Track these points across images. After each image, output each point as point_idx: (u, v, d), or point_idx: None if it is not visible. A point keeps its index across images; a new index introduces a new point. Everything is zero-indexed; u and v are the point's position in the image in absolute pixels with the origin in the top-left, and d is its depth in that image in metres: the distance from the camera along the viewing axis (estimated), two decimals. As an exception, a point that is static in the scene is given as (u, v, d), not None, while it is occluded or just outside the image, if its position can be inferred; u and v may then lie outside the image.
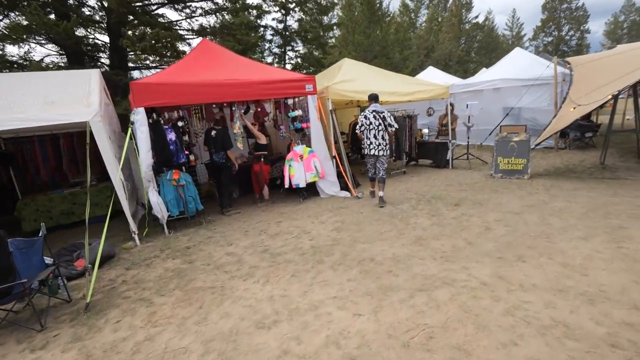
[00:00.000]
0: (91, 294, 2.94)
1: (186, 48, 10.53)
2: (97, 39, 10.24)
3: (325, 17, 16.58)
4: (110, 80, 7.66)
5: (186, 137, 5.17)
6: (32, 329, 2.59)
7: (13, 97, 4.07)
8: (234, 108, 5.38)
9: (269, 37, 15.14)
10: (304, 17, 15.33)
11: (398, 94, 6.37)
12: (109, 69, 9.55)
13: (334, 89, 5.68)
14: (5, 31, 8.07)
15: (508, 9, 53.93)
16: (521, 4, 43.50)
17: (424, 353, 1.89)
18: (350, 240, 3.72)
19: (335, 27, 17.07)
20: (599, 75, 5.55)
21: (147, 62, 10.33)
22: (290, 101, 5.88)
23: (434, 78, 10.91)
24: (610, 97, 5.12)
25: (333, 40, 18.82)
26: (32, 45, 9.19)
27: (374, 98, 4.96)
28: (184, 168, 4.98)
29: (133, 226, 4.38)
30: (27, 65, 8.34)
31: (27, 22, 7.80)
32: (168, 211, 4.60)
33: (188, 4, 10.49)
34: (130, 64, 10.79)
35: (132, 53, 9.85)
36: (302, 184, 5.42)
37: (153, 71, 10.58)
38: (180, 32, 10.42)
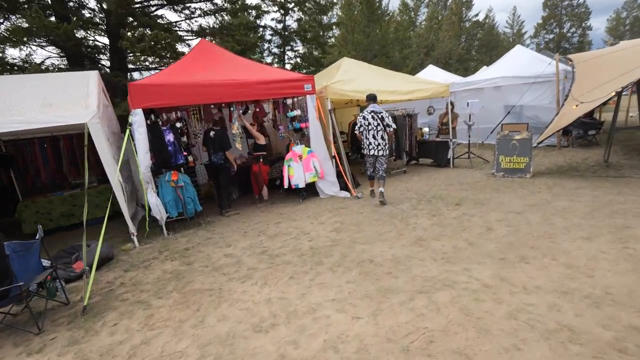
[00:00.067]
0: (89, 297, 2.92)
1: (185, 49, 10.51)
2: (97, 41, 10.25)
3: (324, 17, 16.52)
4: (109, 81, 7.67)
5: (184, 138, 5.14)
6: (30, 332, 2.57)
7: (12, 99, 4.06)
8: (232, 108, 5.35)
9: (268, 37, 15.12)
10: (303, 16, 15.29)
11: (398, 93, 6.32)
12: (109, 70, 9.57)
13: (333, 88, 5.64)
14: (5, 34, 8.09)
15: (509, 6, 53.71)
16: (522, 2, 43.39)
17: (424, 358, 1.85)
18: (349, 241, 3.68)
19: (334, 27, 17.03)
20: (601, 72, 5.47)
21: (147, 63, 10.33)
22: (289, 101, 5.85)
23: (434, 76, 10.83)
24: (613, 94, 5.05)
25: (332, 39, 18.77)
26: (34, 47, 9.22)
27: (372, 98, 4.99)
28: (182, 169, 4.96)
29: (132, 228, 4.36)
30: (28, 67, 8.35)
31: (27, 25, 7.82)
32: (167, 212, 4.58)
33: (187, 4, 10.48)
34: (130, 66, 10.80)
35: (131, 55, 9.85)
36: (302, 184, 5.39)
37: (153, 72, 10.59)
38: (180, 33, 10.42)
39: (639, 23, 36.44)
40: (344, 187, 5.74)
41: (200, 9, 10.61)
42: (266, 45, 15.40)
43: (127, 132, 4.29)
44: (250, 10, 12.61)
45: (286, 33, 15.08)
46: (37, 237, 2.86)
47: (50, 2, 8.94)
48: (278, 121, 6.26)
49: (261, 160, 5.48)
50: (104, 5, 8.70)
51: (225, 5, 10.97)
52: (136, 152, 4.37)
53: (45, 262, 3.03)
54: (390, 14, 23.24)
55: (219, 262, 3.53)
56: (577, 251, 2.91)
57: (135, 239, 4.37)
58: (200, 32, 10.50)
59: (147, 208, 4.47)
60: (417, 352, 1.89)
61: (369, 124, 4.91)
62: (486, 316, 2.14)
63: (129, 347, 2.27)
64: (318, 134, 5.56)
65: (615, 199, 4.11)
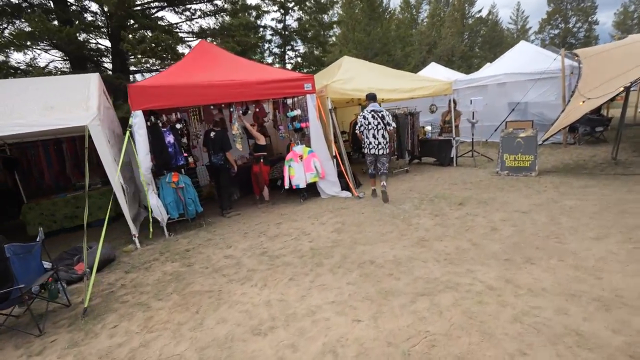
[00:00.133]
0: (90, 298, 2.92)
1: (186, 50, 10.54)
2: (100, 44, 10.33)
3: (325, 16, 16.45)
4: (111, 83, 7.71)
5: (184, 140, 5.14)
6: (31, 334, 2.57)
7: (14, 102, 4.09)
8: (232, 109, 5.33)
9: (268, 37, 15.09)
10: (303, 16, 15.25)
11: (399, 91, 6.25)
12: (112, 73, 9.62)
13: (333, 87, 5.59)
14: (9, 37, 8.17)
15: (512, 2, 52.75)
16: (526, -3, 42.61)
17: (426, 362, 1.80)
18: (350, 242, 3.63)
19: (335, 26, 16.95)
20: (609, 67, 5.34)
21: (147, 65, 10.37)
22: (289, 101, 5.81)
23: (436, 74, 10.73)
24: (621, 89, 4.92)
25: (333, 38, 18.71)
26: (38, 51, 9.31)
27: (372, 97, 4.99)
28: (183, 170, 4.96)
29: (133, 229, 4.37)
30: (31, 71, 8.44)
31: (30, 29, 7.89)
32: (168, 214, 4.58)
33: (188, 6, 10.50)
34: (132, 68, 10.86)
35: (132, 57, 9.90)
36: (302, 185, 5.35)
37: (155, 74, 10.61)
38: (181, 34, 10.44)
39: (648, 17, 35.75)
40: (345, 187, 5.70)
41: (200, 10, 10.63)
42: (266, 45, 15.38)
43: (127, 133, 4.29)
44: (250, 11, 12.60)
45: (286, 33, 15.05)
46: (38, 239, 2.86)
47: (52, 7, 9.02)
48: (278, 121, 6.23)
49: (262, 160, 5.46)
50: (105, 8, 8.75)
51: (226, 5, 10.97)
52: (137, 153, 4.38)
53: (47, 264, 3.03)
54: (392, 12, 23.07)
55: (219, 264, 3.51)
56: (585, 252, 2.82)
57: (136, 241, 4.37)
58: (201, 34, 10.51)
59: (149, 209, 4.47)
60: (418, 357, 1.84)
61: (369, 123, 4.91)
62: (490, 320, 2.08)
63: (128, 349, 2.25)
64: (319, 134, 5.51)
65: (625, 197, 4.00)
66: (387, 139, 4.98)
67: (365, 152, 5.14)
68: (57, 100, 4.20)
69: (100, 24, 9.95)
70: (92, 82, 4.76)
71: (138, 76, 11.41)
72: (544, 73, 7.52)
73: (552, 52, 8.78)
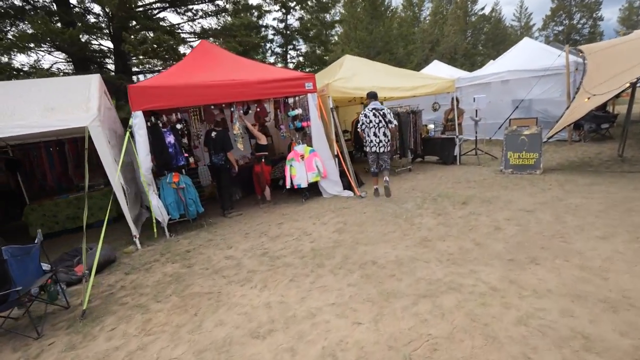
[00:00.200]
0: (89, 300, 2.92)
1: (188, 51, 10.55)
2: (102, 45, 10.37)
3: (327, 15, 16.39)
4: (113, 84, 7.73)
5: (185, 140, 5.12)
6: (29, 337, 2.56)
7: (15, 104, 4.10)
8: (232, 109, 5.30)
9: (270, 36, 15.07)
10: (304, 15, 15.20)
11: (401, 90, 6.19)
12: (114, 74, 9.65)
13: (335, 86, 5.54)
14: (12, 40, 8.23)
15: (516, -1, 52.33)
16: (530, -6, 42.22)
17: (428, 366, 1.75)
18: (352, 242, 3.59)
19: (337, 24, 16.89)
20: (614, 63, 5.23)
21: (149, 65, 10.39)
22: (290, 100, 5.78)
23: (439, 72, 10.62)
24: (627, 85, 4.82)
25: (335, 37, 18.64)
26: (41, 53, 9.37)
27: (373, 96, 4.99)
28: (184, 170, 4.94)
29: (134, 230, 4.36)
30: (34, 72, 8.48)
31: (33, 31, 7.93)
32: (169, 214, 4.57)
33: (189, 6, 10.50)
34: (134, 69, 10.89)
35: (134, 58, 9.92)
36: (304, 184, 5.31)
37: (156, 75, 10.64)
38: (183, 35, 10.45)
39: (654, 12, 35.20)
40: (347, 186, 5.65)
41: (202, 10, 10.62)
42: (268, 45, 15.36)
43: (127, 134, 4.28)
44: (252, 11, 12.58)
45: (288, 32, 15.02)
46: (36, 241, 2.85)
47: (55, 9, 9.06)
48: (280, 121, 6.20)
49: (263, 160, 5.43)
50: (106, 9, 8.78)
51: (227, 6, 10.96)
52: (137, 154, 4.37)
53: (46, 266, 3.02)
54: (394, 10, 22.94)
55: (219, 265, 3.48)
56: (591, 251, 2.75)
57: (137, 241, 4.36)
58: (203, 34, 10.51)
59: (151, 210, 4.46)
60: (420, 361, 1.79)
61: (371, 121, 4.93)
62: (494, 322, 2.02)
63: (125, 352, 2.23)
64: (320, 133, 5.47)
65: (632, 195, 3.91)
66: (389, 137, 4.99)
67: (367, 150, 5.15)
68: (58, 102, 4.20)
69: (102, 25, 10.00)
70: (92, 83, 4.75)
71: (141, 77, 11.45)
72: (548, 70, 7.40)
73: (556, 48, 8.66)
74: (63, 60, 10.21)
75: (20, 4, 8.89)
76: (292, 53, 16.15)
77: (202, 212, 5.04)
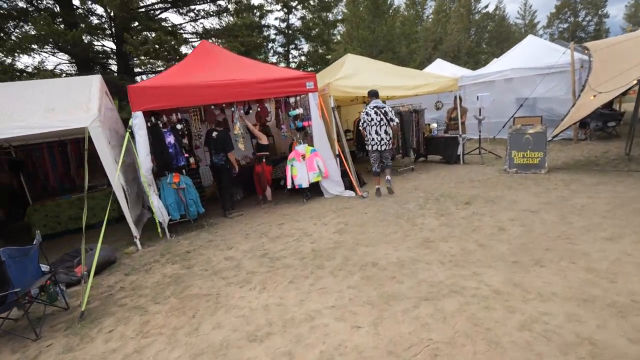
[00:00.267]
0: (88, 301, 2.91)
1: (190, 52, 10.56)
2: (105, 46, 10.42)
3: (329, 14, 16.33)
4: (115, 85, 7.75)
5: (185, 140, 5.11)
6: (28, 338, 2.55)
7: (16, 105, 4.11)
8: (233, 109, 5.28)
9: (272, 36, 15.05)
10: (306, 14, 15.16)
11: (403, 88, 6.12)
12: (117, 74, 9.69)
13: (336, 85, 5.49)
14: (16, 41, 8.29)
15: (520, -4, 51.68)
16: (534, -9, 41.70)
17: (428, 372, 1.70)
18: (352, 243, 3.54)
19: (339, 24, 16.82)
20: (620, 60, 5.12)
21: (149, 66, 10.42)
22: (291, 99, 5.74)
23: (442, 71, 10.53)
24: (634, 82, 4.71)
25: (338, 36, 18.58)
26: (45, 54, 9.44)
27: (374, 94, 4.98)
28: (184, 171, 4.93)
29: (134, 231, 4.35)
30: (37, 73, 8.54)
31: (35, 32, 7.98)
32: (169, 215, 4.56)
33: (191, 7, 10.51)
34: (137, 69, 10.93)
35: (136, 59, 9.96)
36: (305, 184, 5.27)
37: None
38: (185, 35, 10.46)
39: (661, 8, 34.62)
40: (349, 186, 5.60)
41: (204, 10, 10.63)
42: (270, 44, 15.34)
43: (127, 134, 4.27)
44: (254, 11, 12.57)
45: (290, 32, 14.99)
46: (35, 242, 2.84)
47: (58, 10, 9.12)
48: (281, 120, 6.16)
49: (264, 160, 5.40)
50: (108, 9, 8.81)
51: (229, 6, 10.95)
52: (137, 154, 4.36)
53: (45, 267, 3.02)
54: (396, 9, 22.82)
55: (218, 266, 3.45)
56: (598, 253, 2.68)
57: (138, 242, 4.35)
58: (205, 34, 10.52)
59: (153, 210, 4.45)
60: (421, 367, 1.75)
61: (372, 119, 4.92)
62: (497, 327, 1.97)
63: (122, 355, 2.21)
64: (321, 133, 5.43)
65: (639, 195, 3.83)
66: (390, 135, 4.98)
67: (369, 149, 5.12)
68: (58, 103, 4.21)
69: (105, 26, 10.04)
70: (93, 84, 4.76)
71: (143, 78, 11.49)
72: (553, 67, 7.29)
73: (561, 45, 8.52)
74: (66, 62, 10.28)
75: (24, 6, 8.96)
76: (294, 52, 16.13)
77: (203, 213, 5.02)
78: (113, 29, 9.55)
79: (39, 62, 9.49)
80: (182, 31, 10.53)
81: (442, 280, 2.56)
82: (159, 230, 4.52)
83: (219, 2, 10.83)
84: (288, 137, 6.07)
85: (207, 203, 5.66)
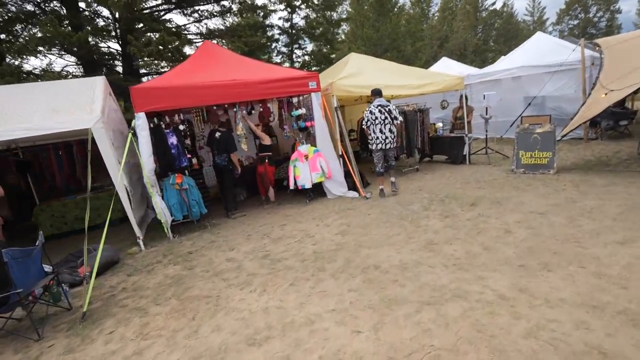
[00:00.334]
0: (90, 302, 2.92)
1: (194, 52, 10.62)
2: (110, 48, 10.53)
3: (333, 13, 16.25)
4: (119, 86, 7.82)
5: (188, 141, 5.12)
6: (30, 339, 2.57)
7: (20, 107, 4.16)
8: (235, 109, 5.27)
9: (275, 36, 15.03)
10: (310, 13, 15.10)
11: (408, 87, 6.04)
12: (122, 76, 9.79)
13: (339, 85, 5.44)
14: (23, 43, 8.43)
15: (529, -7, 50.66)
16: (543, -13, 40.92)
17: (430, 381, 1.65)
18: (355, 245, 3.49)
19: (343, 23, 16.72)
20: (633, 57, 4.97)
21: (154, 67, 10.50)
22: (294, 99, 5.71)
23: (448, 69, 10.39)
24: (648, 80, 4.55)
25: (342, 35, 18.49)
26: (52, 57, 9.59)
27: (377, 93, 4.94)
28: (187, 171, 4.94)
29: (137, 231, 4.37)
30: (42, 75, 8.67)
31: (41, 34, 8.10)
32: (172, 215, 4.57)
33: (195, 7, 10.56)
34: (142, 71, 11.03)
35: (140, 60, 10.04)
36: (308, 185, 5.24)
37: (162, 76, 10.74)
38: (189, 36, 10.51)
39: (676, 3, 33.64)
40: (352, 187, 5.55)
41: (207, 11, 10.66)
42: (274, 44, 15.32)
43: (130, 135, 4.29)
44: (257, 11, 12.57)
45: (294, 31, 14.95)
46: (37, 243, 2.86)
47: (65, 13, 9.25)
48: (283, 120, 6.14)
49: (267, 161, 5.38)
50: (113, 11, 8.89)
51: (232, 6, 10.97)
52: (140, 155, 4.38)
53: (48, 268, 3.04)
54: (401, 7, 22.61)
55: (220, 267, 3.44)
56: (608, 258, 2.58)
57: (141, 243, 4.37)
58: (209, 35, 10.56)
59: (156, 211, 4.47)
60: (422, 375, 1.69)
61: (376, 117, 4.87)
62: (501, 334, 1.90)
63: (121, 357, 2.20)
64: (324, 133, 5.39)
65: (653, 197, 3.70)
66: (395, 133, 4.93)
67: (373, 148, 5.06)
68: (62, 104, 4.24)
69: (110, 28, 10.15)
70: (97, 85, 4.79)
71: (149, 78, 11.59)
72: (562, 65, 7.11)
73: (570, 42, 8.32)
74: (73, 64, 10.43)
75: (32, 9, 9.11)
76: (298, 52, 16.08)
77: (206, 213, 5.02)
78: (118, 31, 9.64)
79: (46, 64, 9.67)
80: (186, 32, 10.59)
81: (445, 284, 2.50)
82: (165, 230, 4.54)
83: (222, 3, 10.87)
84: (291, 137, 6.04)
85: (211, 203, 5.66)
